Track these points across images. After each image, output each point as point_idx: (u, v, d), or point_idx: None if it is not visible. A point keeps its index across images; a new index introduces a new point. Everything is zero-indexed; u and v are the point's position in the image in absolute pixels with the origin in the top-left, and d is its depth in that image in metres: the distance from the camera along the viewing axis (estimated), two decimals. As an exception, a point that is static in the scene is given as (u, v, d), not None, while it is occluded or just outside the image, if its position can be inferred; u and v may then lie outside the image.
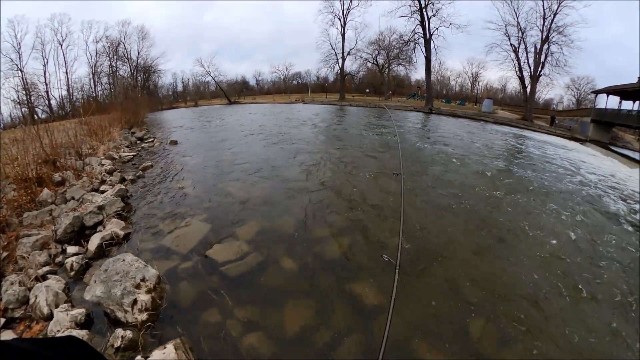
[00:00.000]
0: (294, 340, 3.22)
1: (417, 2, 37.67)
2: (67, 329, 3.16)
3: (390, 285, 2.29)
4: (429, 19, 38.06)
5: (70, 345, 0.88)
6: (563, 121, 31.36)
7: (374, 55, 50.21)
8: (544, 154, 14.99)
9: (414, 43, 41.44)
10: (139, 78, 51.96)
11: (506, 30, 35.24)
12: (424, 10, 37.75)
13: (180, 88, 62.20)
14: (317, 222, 5.70)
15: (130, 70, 50.63)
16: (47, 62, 42.22)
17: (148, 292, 3.51)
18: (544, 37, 32.63)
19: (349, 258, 4.62)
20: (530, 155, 14.21)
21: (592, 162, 14.95)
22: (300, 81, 67.77)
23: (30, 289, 3.75)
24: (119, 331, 3.10)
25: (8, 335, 3.26)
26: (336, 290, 3.94)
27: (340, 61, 49.07)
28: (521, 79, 36.21)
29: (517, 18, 34.10)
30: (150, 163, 10.45)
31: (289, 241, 5.05)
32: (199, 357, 3.01)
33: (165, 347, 2.92)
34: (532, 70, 34.52)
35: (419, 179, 8.50)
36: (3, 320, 3.43)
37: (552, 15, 31.70)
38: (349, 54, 49.01)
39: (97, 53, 46.81)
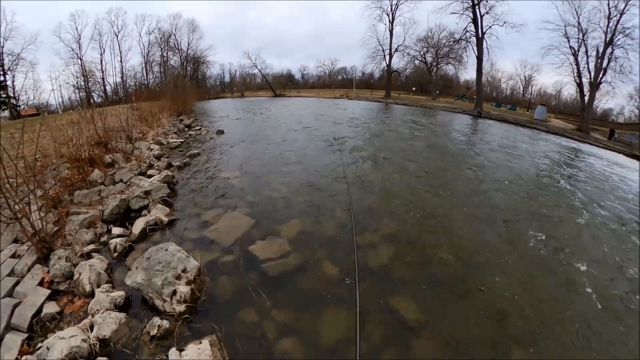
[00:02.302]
0: (329, 351, 3.01)
1: (469, -2, 35.79)
2: (106, 309, 3.15)
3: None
4: (481, 17, 35.92)
5: None
6: (623, 135, 28.17)
7: (422, 53, 48.53)
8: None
9: (465, 41, 39.46)
10: (189, 68, 54.22)
11: (565, 31, 31.64)
12: (476, 7, 35.79)
13: (227, 79, 63.95)
14: (360, 227, 5.31)
15: (180, 60, 53.05)
16: (103, 52, 45.73)
17: (188, 283, 3.42)
18: (607, 39, 28.91)
19: (390, 269, 4.27)
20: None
21: None
22: (345, 76, 67.31)
23: (75, 265, 3.85)
24: (156, 320, 3.05)
25: (52, 307, 3.31)
26: (376, 300, 3.66)
27: (387, 58, 47.78)
28: (579, 85, 32.92)
29: (578, 18, 30.38)
30: (197, 151, 10.66)
31: (331, 244, 4.77)
32: (233, 356, 2.87)
33: (200, 342, 2.82)
34: (592, 76, 31.04)
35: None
36: (49, 291, 3.53)
37: (619, 15, 27.85)
38: (396, 50, 47.47)
39: (149, 44, 49.74)
